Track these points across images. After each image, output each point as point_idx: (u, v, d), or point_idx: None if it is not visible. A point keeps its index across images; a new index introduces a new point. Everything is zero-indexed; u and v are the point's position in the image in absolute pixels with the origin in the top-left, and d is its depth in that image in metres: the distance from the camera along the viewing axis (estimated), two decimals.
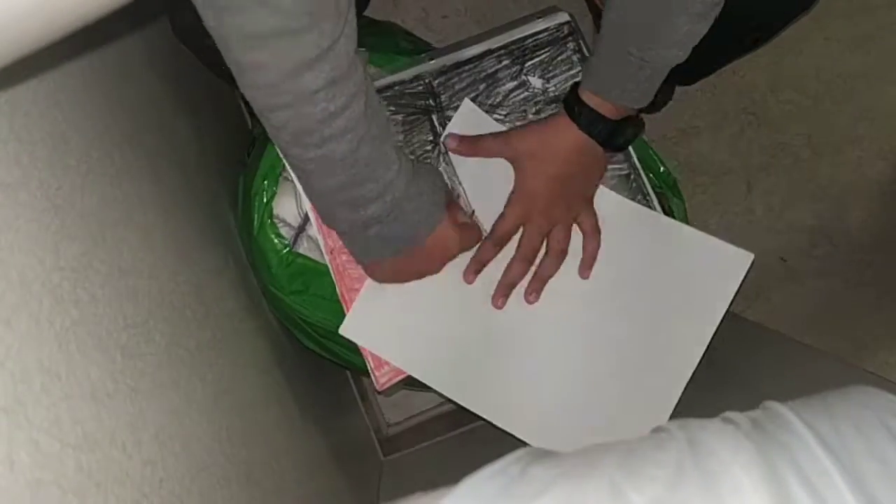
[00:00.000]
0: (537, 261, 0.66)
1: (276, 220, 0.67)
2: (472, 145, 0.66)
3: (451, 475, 0.42)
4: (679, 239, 0.67)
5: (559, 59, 0.70)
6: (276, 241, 0.67)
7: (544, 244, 0.65)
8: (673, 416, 0.66)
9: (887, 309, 1.19)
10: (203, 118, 0.83)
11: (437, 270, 0.64)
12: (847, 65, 1.16)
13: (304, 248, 0.68)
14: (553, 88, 0.69)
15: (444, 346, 0.66)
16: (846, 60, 1.16)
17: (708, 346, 0.65)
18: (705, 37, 0.57)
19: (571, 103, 0.62)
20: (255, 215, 0.67)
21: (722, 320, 0.65)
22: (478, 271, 0.65)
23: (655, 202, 0.69)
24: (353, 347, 0.68)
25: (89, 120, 0.49)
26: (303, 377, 0.80)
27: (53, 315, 0.36)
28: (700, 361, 0.65)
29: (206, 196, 0.72)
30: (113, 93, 0.56)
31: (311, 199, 0.60)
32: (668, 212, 0.71)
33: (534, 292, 0.66)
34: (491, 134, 0.66)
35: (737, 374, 0.79)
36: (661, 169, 0.72)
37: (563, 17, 0.70)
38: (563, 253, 0.65)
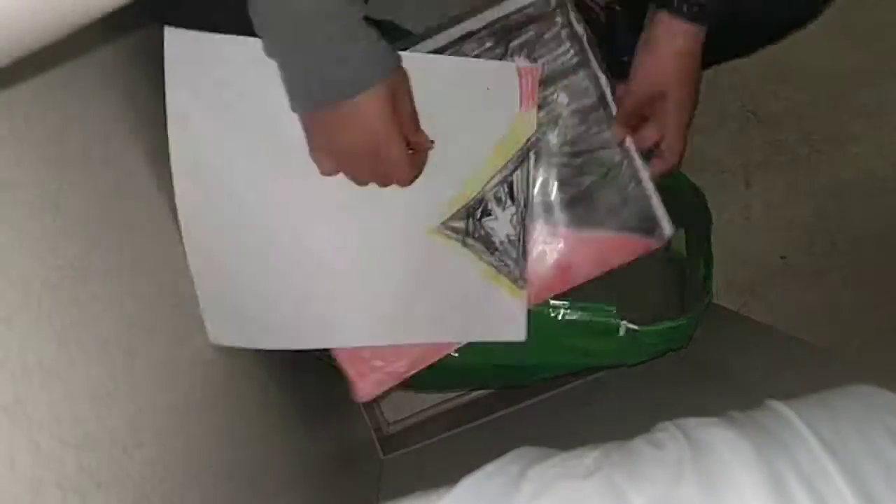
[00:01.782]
0: None
1: None
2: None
3: (451, 474, 0.42)
4: (449, 75, 0.61)
5: (546, 36, 0.65)
6: None
7: None
8: (672, 416, 0.66)
9: (887, 307, 1.19)
10: None
11: (361, 151, 0.53)
12: (846, 62, 1.16)
13: None
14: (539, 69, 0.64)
15: (287, 300, 0.62)
16: (845, 58, 1.15)
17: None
18: (715, 36, 0.56)
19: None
20: None
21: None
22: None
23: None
24: None
25: (89, 119, 0.49)
26: (303, 376, 0.80)
27: (53, 314, 0.36)
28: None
29: None
30: (113, 92, 0.56)
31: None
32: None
33: None
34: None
35: (736, 373, 0.79)
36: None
37: None
38: None
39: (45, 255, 0.37)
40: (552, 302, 0.71)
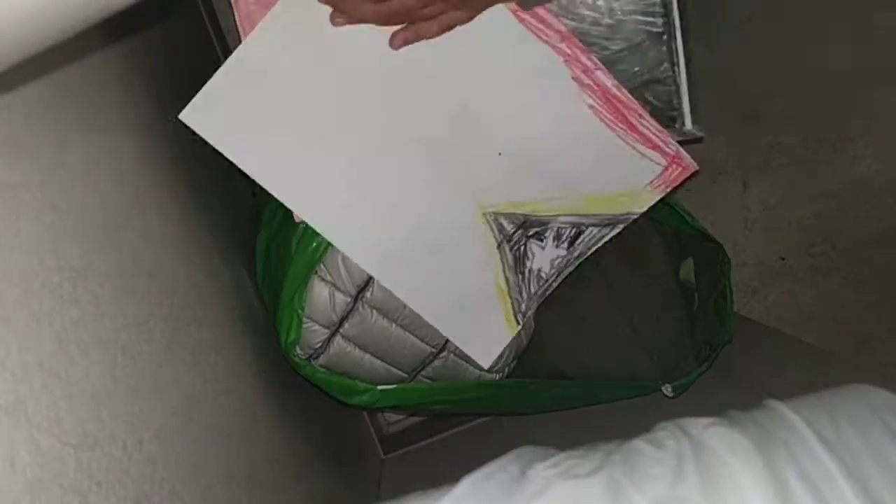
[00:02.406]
0: None
1: (306, 321, 0.65)
2: None
3: (451, 474, 0.42)
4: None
5: None
6: (300, 360, 0.67)
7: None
8: (673, 415, 0.67)
9: (886, 307, 1.20)
10: None
11: None
12: (843, 64, 1.16)
13: (334, 348, 0.67)
14: None
15: (303, 161, 0.60)
16: (842, 60, 1.15)
17: None
18: None
19: None
20: (284, 329, 0.65)
21: None
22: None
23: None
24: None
25: (89, 121, 0.49)
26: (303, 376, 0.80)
27: (54, 314, 0.36)
28: None
29: (207, 195, 0.72)
30: (114, 94, 0.56)
31: None
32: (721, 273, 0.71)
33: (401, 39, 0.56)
34: None
35: (736, 373, 0.79)
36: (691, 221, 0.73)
37: None
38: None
39: (45, 255, 0.37)
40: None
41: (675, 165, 0.63)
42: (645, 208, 0.65)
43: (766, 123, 1.19)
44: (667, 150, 0.63)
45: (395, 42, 0.57)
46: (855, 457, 0.36)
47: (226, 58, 0.56)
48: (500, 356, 0.71)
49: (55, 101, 0.44)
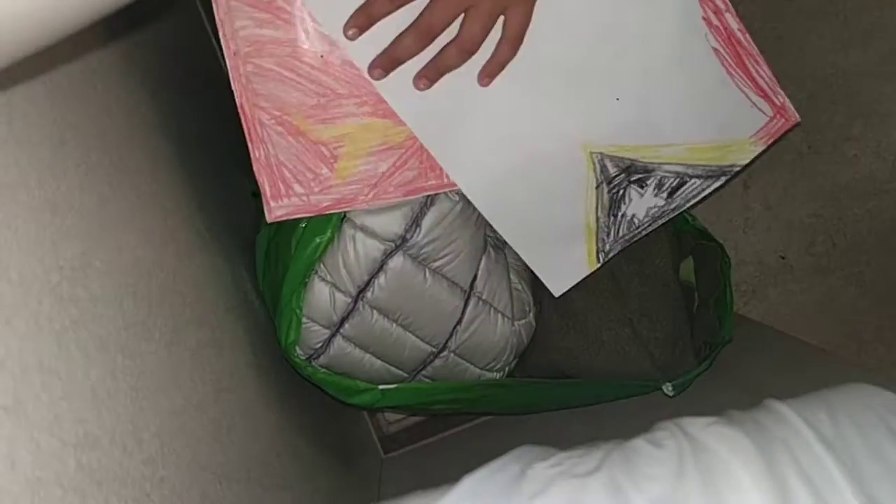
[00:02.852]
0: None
1: (306, 321, 0.65)
2: None
3: (451, 473, 0.42)
4: None
5: None
6: (300, 360, 0.67)
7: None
8: (673, 414, 0.67)
9: (886, 306, 1.19)
10: (205, 117, 0.83)
11: None
12: (844, 63, 1.16)
13: (334, 348, 0.67)
14: None
15: None
16: (843, 58, 1.15)
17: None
18: None
19: None
20: (283, 329, 0.66)
21: None
22: (360, 23, 0.55)
23: None
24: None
25: (88, 120, 0.49)
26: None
27: (53, 314, 0.36)
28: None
29: (208, 195, 0.72)
30: (112, 93, 0.56)
31: None
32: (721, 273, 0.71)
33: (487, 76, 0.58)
34: None
35: (736, 373, 0.79)
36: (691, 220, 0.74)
37: None
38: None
39: (44, 255, 0.37)
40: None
41: (779, 116, 0.64)
42: (749, 159, 0.64)
43: None
44: (775, 99, 0.63)
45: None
46: (855, 456, 0.36)
47: (223, 55, 0.56)
48: (501, 356, 0.71)
49: (53, 101, 0.44)
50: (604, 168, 0.63)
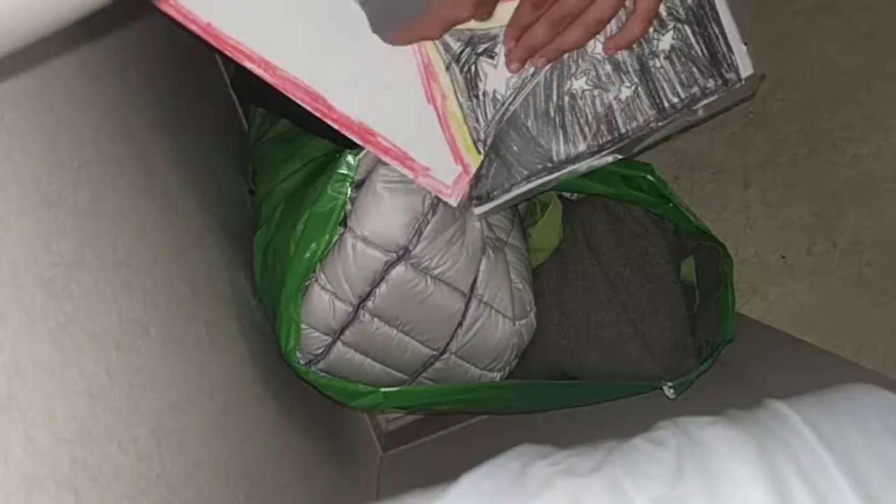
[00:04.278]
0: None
1: (305, 328, 0.65)
2: None
3: (450, 471, 0.41)
4: None
5: None
6: (300, 366, 0.67)
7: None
8: (673, 414, 0.66)
9: (887, 306, 1.19)
10: (201, 114, 0.82)
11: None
12: (844, 63, 1.15)
13: (334, 353, 0.67)
14: None
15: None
16: (843, 59, 1.15)
17: None
18: None
19: None
20: (283, 335, 0.65)
21: None
22: (517, 37, 0.57)
23: None
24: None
25: (82, 114, 0.48)
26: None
27: (47, 310, 0.36)
28: None
29: (204, 191, 0.72)
30: (106, 87, 0.55)
31: None
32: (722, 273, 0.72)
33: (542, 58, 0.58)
34: None
35: (737, 372, 0.79)
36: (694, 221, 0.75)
37: None
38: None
39: (38, 251, 0.37)
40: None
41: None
42: None
43: (767, 122, 1.19)
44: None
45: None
46: (855, 456, 0.36)
47: (219, 51, 0.55)
48: (503, 357, 0.70)
49: (47, 95, 0.44)
50: (446, 45, 0.57)
